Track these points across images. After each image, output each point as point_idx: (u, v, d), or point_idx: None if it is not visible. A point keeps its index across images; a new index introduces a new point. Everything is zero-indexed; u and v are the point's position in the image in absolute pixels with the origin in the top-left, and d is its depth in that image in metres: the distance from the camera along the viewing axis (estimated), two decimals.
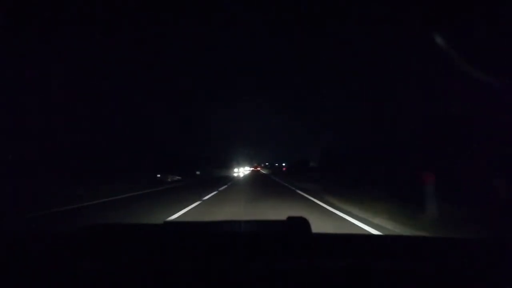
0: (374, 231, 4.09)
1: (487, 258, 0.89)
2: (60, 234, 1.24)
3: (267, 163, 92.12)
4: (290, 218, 1.05)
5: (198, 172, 41.58)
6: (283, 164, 73.12)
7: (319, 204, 7.16)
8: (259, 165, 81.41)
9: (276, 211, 6.05)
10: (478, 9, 9.44)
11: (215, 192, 10.49)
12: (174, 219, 5.24)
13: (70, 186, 11.20)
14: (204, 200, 8.16)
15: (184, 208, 6.50)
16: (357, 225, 4.56)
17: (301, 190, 11.40)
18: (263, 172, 55.77)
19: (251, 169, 67.38)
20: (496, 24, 8.83)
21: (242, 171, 57.30)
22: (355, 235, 1.44)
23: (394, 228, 4.41)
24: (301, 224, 1.02)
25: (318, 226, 4.20)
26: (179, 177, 22.47)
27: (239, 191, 11.44)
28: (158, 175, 21.80)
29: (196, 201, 7.61)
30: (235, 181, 19.65)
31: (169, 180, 20.98)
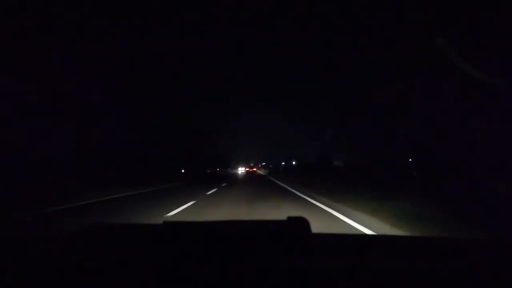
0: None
1: (487, 258, 0.89)
2: (59, 234, 1.24)
3: (263, 163, 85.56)
4: (290, 218, 1.05)
5: (208, 171, 42.08)
6: (282, 163, 59.69)
7: None
8: (256, 165, 70.38)
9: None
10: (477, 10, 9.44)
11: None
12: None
13: None
14: None
15: None
16: None
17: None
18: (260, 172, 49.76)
19: (246, 169, 57.02)
20: (496, 25, 8.82)
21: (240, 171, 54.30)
22: (355, 235, 1.43)
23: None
24: (301, 224, 1.01)
25: None
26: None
27: None
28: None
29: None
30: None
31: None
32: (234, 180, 22.64)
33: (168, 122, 31.86)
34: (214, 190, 12.26)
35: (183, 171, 32.17)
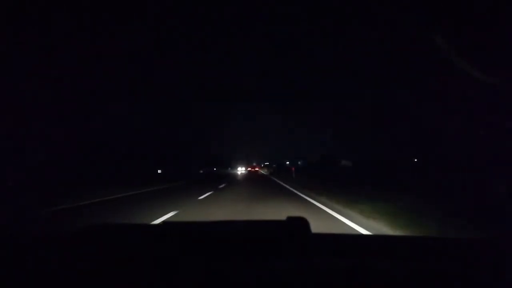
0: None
1: (487, 258, 0.89)
2: (59, 234, 1.24)
3: (266, 163, 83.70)
4: (290, 218, 1.05)
5: (201, 171, 40.99)
6: (287, 162, 55.58)
7: None
8: (258, 164, 67.47)
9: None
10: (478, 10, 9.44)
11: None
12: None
13: None
14: None
15: None
16: None
17: None
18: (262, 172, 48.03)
19: (248, 169, 54.57)
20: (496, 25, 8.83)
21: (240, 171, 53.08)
22: (355, 235, 1.44)
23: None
24: (300, 224, 1.01)
25: None
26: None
27: None
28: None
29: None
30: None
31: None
32: (228, 182, 17.89)
33: (168, 122, 32.06)
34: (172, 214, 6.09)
35: (159, 171, 27.23)
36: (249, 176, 31.47)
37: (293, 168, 24.74)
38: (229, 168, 74.89)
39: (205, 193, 10.44)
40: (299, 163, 49.55)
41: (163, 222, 1.13)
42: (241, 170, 57.52)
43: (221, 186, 14.85)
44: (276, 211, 6.29)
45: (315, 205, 7.27)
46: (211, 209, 6.81)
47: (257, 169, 52.83)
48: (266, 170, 55.05)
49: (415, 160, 24.33)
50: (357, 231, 4.13)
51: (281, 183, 16.95)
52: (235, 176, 31.75)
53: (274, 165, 64.13)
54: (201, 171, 42.91)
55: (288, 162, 55.60)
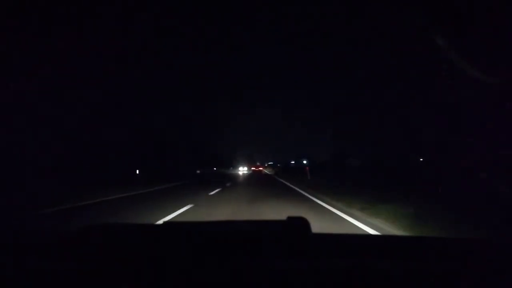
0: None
1: (487, 258, 0.89)
2: (59, 234, 1.24)
3: (270, 162, 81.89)
4: (290, 218, 1.05)
5: (198, 171, 40.06)
6: (292, 162, 51.68)
7: None
8: (261, 164, 66.47)
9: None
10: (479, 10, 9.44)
11: None
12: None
13: None
14: None
15: None
16: None
17: None
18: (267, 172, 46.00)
19: (252, 168, 52.54)
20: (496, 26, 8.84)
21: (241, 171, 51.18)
22: (355, 235, 1.43)
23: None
24: (300, 224, 1.01)
25: None
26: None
27: None
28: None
29: None
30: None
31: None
32: (224, 187, 13.01)
33: (168, 122, 32.07)
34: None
35: (137, 171, 22.04)
36: (252, 177, 27.02)
37: (307, 168, 20.83)
38: (231, 168, 73.56)
39: (177, 210, 6.24)
40: (304, 162, 44.88)
41: (163, 222, 1.13)
42: (243, 171, 53.57)
43: (212, 193, 10.28)
44: None
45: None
46: None
47: (261, 168, 49.84)
48: (270, 169, 52.53)
49: (421, 159, 24.16)
50: None
51: (301, 190, 11.31)
52: (236, 177, 26.10)
53: (278, 165, 59.81)
54: (198, 171, 38.78)
55: (293, 162, 52.18)
